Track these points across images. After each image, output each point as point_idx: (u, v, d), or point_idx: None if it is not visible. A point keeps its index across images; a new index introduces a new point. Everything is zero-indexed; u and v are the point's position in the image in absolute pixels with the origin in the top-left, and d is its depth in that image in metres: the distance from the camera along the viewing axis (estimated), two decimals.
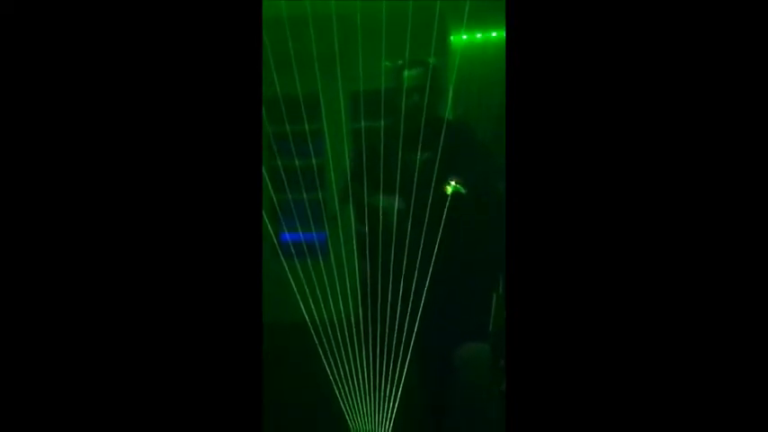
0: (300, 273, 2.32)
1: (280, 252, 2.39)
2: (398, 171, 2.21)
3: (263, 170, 1.70)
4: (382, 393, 2.14)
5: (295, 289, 2.24)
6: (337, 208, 2.48)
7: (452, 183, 2.25)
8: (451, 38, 3.01)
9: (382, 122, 2.32)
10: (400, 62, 2.42)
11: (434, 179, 2.18)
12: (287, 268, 2.30)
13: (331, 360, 2.20)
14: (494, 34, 2.73)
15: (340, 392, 2.19)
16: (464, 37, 2.84)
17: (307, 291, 2.27)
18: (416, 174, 2.19)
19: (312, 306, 2.27)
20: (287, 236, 2.60)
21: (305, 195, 2.48)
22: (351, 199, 2.47)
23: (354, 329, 2.22)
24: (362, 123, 2.48)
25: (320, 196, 2.61)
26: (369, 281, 2.28)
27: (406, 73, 2.39)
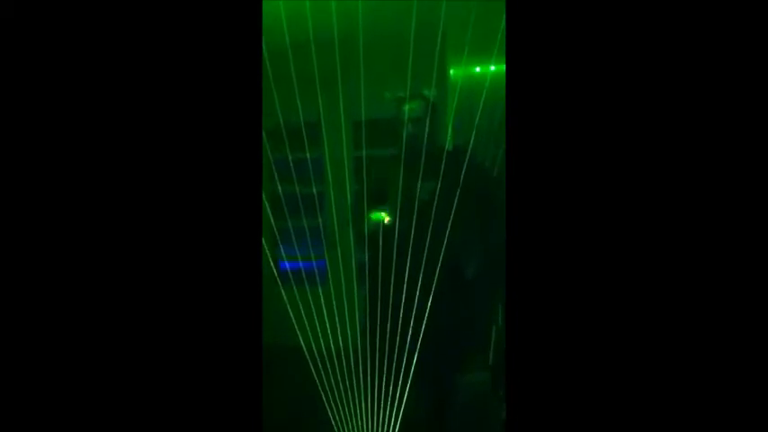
0: (299, 299, 2.31)
1: (278, 279, 2.39)
2: (399, 198, 2.23)
3: (264, 197, 1.71)
4: (381, 419, 2.13)
5: (292, 317, 2.23)
6: (337, 236, 2.49)
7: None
8: (451, 71, 3.05)
9: (384, 151, 2.35)
10: (400, 95, 2.46)
11: (435, 206, 2.19)
12: (284, 295, 2.29)
13: (327, 387, 2.18)
14: (492, 68, 2.76)
15: (336, 418, 2.17)
16: (464, 69, 2.88)
17: (304, 318, 2.27)
18: (417, 201, 2.20)
19: (309, 333, 2.25)
20: (286, 264, 2.59)
21: (305, 222, 2.48)
22: (351, 227, 2.49)
23: (352, 356, 2.21)
24: (364, 152, 2.50)
25: (320, 223, 2.62)
26: (368, 307, 2.28)
27: (406, 106, 2.42)
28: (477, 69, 3.03)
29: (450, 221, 2.14)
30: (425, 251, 2.15)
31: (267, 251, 2.15)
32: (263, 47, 1.75)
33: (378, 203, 2.36)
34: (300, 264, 2.47)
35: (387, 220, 2.33)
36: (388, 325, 2.16)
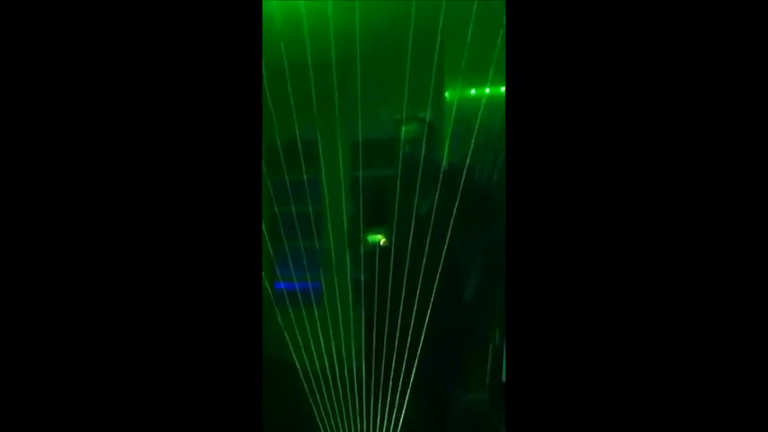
0: (293, 320, 2.30)
1: (273, 300, 2.38)
2: (395, 219, 2.24)
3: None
4: None
5: (288, 338, 2.23)
6: (333, 257, 2.49)
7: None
8: (447, 93, 3.07)
9: (382, 171, 2.36)
10: (397, 117, 2.48)
11: (431, 226, 2.20)
12: (279, 316, 2.28)
13: (322, 409, 2.17)
14: (487, 90, 2.78)
15: None
16: (461, 89, 2.90)
17: (299, 339, 2.26)
18: (413, 221, 2.21)
19: (304, 355, 2.25)
20: (282, 284, 2.59)
21: (301, 243, 2.48)
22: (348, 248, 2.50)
23: (347, 375, 2.19)
24: (360, 172, 2.52)
25: (317, 244, 2.62)
26: (364, 326, 2.28)
27: (403, 128, 2.44)
28: (473, 91, 3.05)
29: (447, 240, 2.15)
30: (422, 271, 2.15)
31: (264, 275, 2.14)
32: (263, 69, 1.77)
33: (376, 223, 2.38)
34: (296, 285, 2.46)
35: (383, 241, 2.34)
36: (385, 344, 2.15)
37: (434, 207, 2.20)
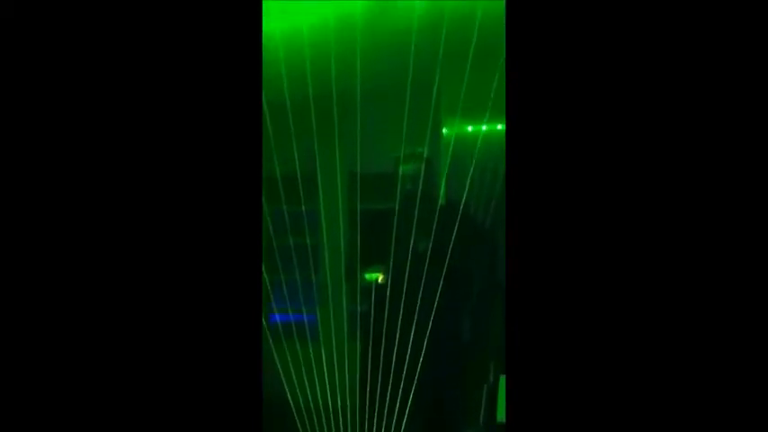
0: (288, 353, 2.29)
1: (268, 333, 2.37)
2: (392, 253, 2.25)
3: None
4: None
5: (281, 372, 2.21)
6: (330, 291, 2.48)
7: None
8: (444, 129, 3.11)
9: (380, 206, 2.39)
10: (396, 155, 2.52)
11: (428, 260, 2.21)
12: (274, 349, 2.27)
13: None
14: (484, 128, 2.82)
15: None
16: (459, 125, 2.93)
17: (293, 372, 2.24)
18: (410, 255, 2.22)
19: (297, 388, 2.23)
20: (276, 317, 2.58)
21: (297, 276, 2.48)
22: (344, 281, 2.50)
23: (341, 410, 2.18)
24: (358, 206, 2.53)
25: (313, 277, 2.62)
26: (359, 360, 2.26)
27: (401, 167, 2.48)
28: (470, 128, 3.09)
29: (444, 274, 2.15)
30: (418, 305, 2.15)
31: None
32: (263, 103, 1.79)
33: (373, 257, 2.39)
34: (292, 317, 2.45)
35: (381, 278, 2.35)
36: (380, 378, 2.14)
37: (432, 241, 2.22)
